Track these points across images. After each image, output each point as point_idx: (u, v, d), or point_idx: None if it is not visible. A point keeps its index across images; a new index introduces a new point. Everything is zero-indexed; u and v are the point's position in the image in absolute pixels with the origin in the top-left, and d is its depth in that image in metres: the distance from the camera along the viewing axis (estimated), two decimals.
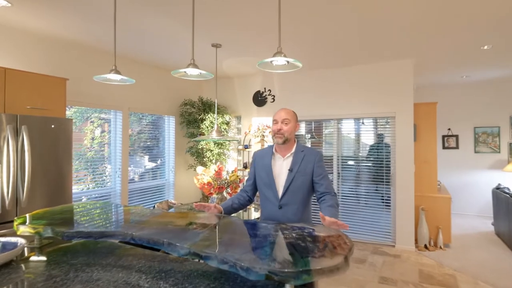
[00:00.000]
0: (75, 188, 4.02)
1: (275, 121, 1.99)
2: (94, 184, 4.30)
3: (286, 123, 1.97)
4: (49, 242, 1.82)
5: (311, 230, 1.51)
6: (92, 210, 2.03)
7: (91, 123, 4.33)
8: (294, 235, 1.44)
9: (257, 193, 2.19)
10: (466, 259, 4.06)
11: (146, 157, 5.20)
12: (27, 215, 1.79)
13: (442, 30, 3.29)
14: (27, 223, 1.67)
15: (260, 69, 1.85)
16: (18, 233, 1.66)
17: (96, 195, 4.29)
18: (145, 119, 5.10)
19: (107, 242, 1.81)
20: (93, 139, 4.34)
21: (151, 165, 5.29)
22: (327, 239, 1.38)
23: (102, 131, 4.43)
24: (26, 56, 3.31)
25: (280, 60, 1.68)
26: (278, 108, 2.98)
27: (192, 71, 1.99)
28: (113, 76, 2.09)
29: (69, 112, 4.09)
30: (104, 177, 4.41)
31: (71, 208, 2.05)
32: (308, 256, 1.19)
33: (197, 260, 1.52)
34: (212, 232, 1.50)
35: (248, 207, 3.77)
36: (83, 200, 4.07)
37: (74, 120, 4.14)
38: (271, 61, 1.70)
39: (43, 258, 1.59)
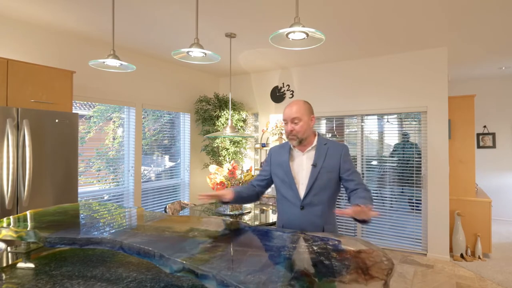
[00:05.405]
0: (89, 188, 3.90)
1: (284, 121, 1.73)
2: (106, 183, 4.16)
3: (296, 122, 1.68)
4: (38, 247, 1.62)
5: (336, 242, 1.22)
6: (89, 211, 1.82)
7: (113, 123, 4.21)
8: (315, 248, 1.16)
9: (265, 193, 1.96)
10: (510, 271, 3.59)
11: (161, 156, 5.03)
12: (11, 217, 1.60)
13: (479, 11, 2.88)
14: (10, 225, 1.48)
15: (275, 46, 1.56)
16: (0, 236, 1.47)
17: (108, 195, 4.15)
18: (163, 118, 4.93)
19: (99, 249, 1.59)
20: (114, 138, 4.22)
21: (166, 164, 5.12)
22: (358, 255, 1.08)
23: (123, 131, 4.30)
24: (34, 49, 3.19)
25: (297, 33, 1.39)
26: None
27: (195, 52, 1.73)
28: (111, 62, 1.88)
29: (90, 112, 3.98)
30: (115, 176, 4.25)
31: (65, 209, 1.85)
32: (334, 279, 0.91)
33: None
34: (215, 242, 1.24)
35: (265, 209, 3.51)
36: (90, 200, 3.94)
37: (95, 120, 4.03)
38: (286, 34, 1.42)
39: (25, 265, 1.39)
